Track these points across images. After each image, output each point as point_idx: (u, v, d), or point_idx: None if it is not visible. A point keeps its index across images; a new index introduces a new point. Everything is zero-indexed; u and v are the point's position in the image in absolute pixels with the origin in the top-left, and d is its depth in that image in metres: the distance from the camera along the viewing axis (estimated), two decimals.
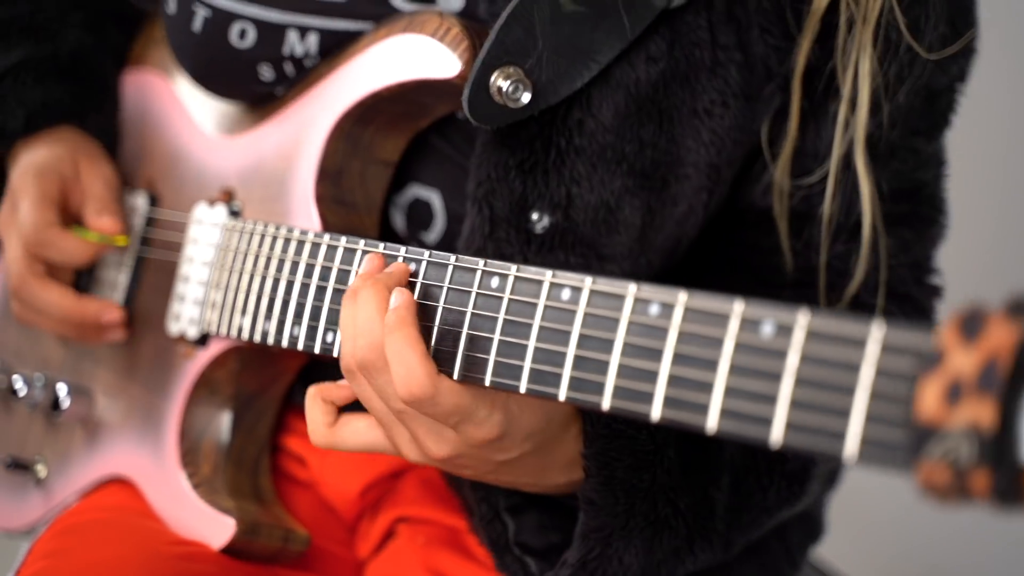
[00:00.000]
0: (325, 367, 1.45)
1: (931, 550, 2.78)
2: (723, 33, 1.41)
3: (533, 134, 1.40)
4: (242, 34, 1.49)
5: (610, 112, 1.40)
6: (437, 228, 1.54)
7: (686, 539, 1.40)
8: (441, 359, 1.26)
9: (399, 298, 1.23)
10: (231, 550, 1.52)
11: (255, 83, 1.54)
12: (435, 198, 1.53)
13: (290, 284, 1.42)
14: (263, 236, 1.47)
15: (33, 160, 1.64)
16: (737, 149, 1.44)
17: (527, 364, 1.20)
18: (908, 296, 1.49)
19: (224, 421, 1.58)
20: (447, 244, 1.53)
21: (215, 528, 1.53)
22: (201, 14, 1.50)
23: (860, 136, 1.40)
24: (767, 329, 1.03)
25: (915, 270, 1.51)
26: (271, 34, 1.49)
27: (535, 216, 1.41)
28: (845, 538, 2.00)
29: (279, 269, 1.44)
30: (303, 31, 1.49)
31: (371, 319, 1.23)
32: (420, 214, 1.54)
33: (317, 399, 1.32)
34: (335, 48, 1.51)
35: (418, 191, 1.54)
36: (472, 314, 1.25)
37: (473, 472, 1.32)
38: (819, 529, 1.64)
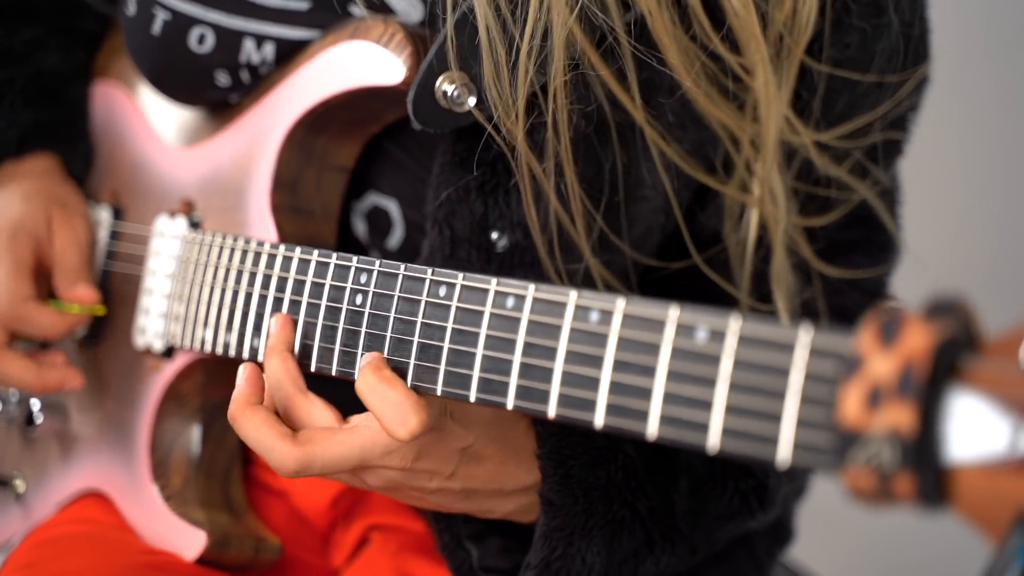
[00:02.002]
0: None
1: (905, 549, 2.78)
2: None
3: (495, 155, 1.40)
4: (201, 39, 1.49)
5: (568, 133, 1.39)
6: (396, 236, 1.54)
7: (645, 542, 1.40)
8: (393, 369, 1.26)
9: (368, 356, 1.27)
10: (203, 561, 1.53)
11: (212, 89, 1.54)
12: (392, 207, 1.53)
13: (248, 296, 1.43)
14: (221, 247, 1.48)
15: (8, 216, 1.61)
16: (695, 172, 1.42)
17: (476, 373, 1.20)
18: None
19: (193, 432, 1.59)
20: (408, 251, 1.53)
21: (187, 540, 1.54)
22: (161, 17, 1.50)
23: (770, 161, 1.38)
24: (701, 334, 1.03)
25: (870, 296, 1.51)
26: (229, 40, 1.49)
27: (495, 236, 1.41)
28: (818, 539, 2.00)
29: (237, 280, 1.44)
30: (260, 39, 1.49)
31: (260, 440, 1.27)
32: (380, 221, 1.54)
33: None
34: (290, 56, 1.51)
35: (376, 199, 1.54)
36: (422, 323, 1.25)
37: (440, 479, 1.32)
38: (787, 535, 1.64)
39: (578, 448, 1.36)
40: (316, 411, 1.29)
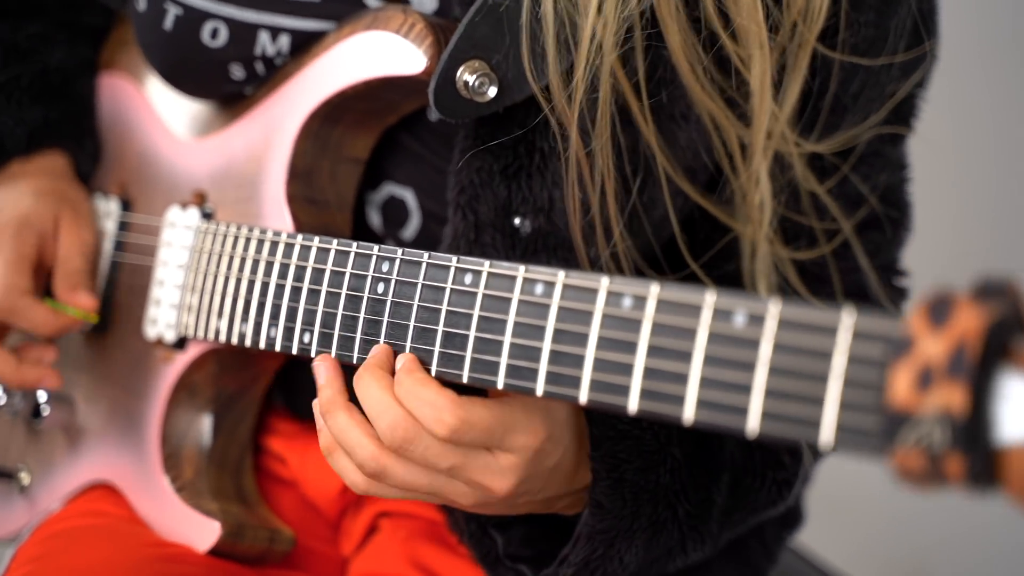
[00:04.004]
0: (303, 367, 1.45)
1: (914, 534, 2.79)
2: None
3: (516, 139, 1.39)
4: (214, 33, 1.49)
5: (590, 116, 1.39)
6: (413, 226, 1.54)
7: (679, 540, 1.40)
8: (418, 357, 1.26)
9: (402, 358, 1.26)
10: (217, 552, 1.52)
11: (226, 82, 1.53)
12: (409, 196, 1.53)
13: (265, 285, 1.42)
14: (236, 237, 1.47)
15: (17, 209, 1.61)
16: (710, 155, 1.42)
17: (503, 360, 1.20)
18: (878, 299, 1.50)
19: (205, 423, 1.58)
20: (423, 241, 1.53)
21: (200, 531, 1.53)
22: (172, 12, 1.49)
23: (759, 146, 1.38)
24: (739, 319, 1.03)
25: (884, 272, 1.51)
26: (243, 34, 1.49)
27: (518, 221, 1.40)
28: (825, 524, 2.01)
29: (253, 270, 1.44)
30: (275, 32, 1.48)
31: (379, 398, 1.24)
32: (395, 212, 1.54)
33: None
34: (306, 47, 1.50)
35: (392, 189, 1.54)
36: (447, 311, 1.25)
37: (530, 497, 1.31)
38: (797, 520, 1.64)
39: (632, 453, 1.35)
40: None
